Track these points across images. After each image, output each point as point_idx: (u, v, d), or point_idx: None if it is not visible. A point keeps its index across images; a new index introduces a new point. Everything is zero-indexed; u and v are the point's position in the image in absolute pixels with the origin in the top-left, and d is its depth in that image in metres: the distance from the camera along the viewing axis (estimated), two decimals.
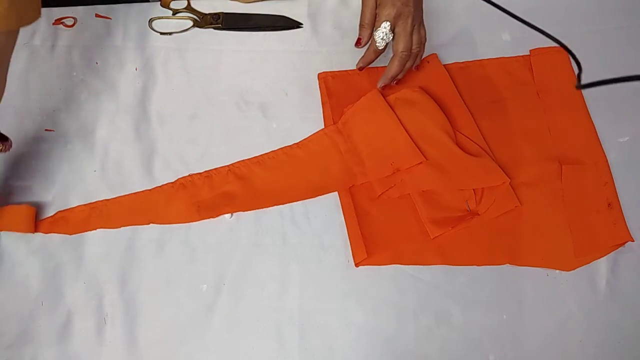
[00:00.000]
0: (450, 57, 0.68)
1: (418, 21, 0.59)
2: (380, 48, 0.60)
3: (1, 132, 0.57)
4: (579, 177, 0.61)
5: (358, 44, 0.61)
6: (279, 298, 0.57)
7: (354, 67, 0.68)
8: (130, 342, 0.55)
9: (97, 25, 0.71)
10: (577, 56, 0.67)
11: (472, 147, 0.62)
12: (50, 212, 0.60)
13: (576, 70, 0.45)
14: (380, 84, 0.63)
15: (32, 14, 0.53)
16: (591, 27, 0.70)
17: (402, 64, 0.60)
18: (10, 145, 0.58)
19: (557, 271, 0.58)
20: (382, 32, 0.58)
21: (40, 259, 0.59)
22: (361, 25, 0.61)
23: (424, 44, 0.61)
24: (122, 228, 0.60)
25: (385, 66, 0.68)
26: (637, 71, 0.67)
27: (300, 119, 0.65)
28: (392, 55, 0.60)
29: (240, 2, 0.72)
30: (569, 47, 0.68)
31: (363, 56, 0.63)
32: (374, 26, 0.60)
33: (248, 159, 0.63)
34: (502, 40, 0.70)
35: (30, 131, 0.64)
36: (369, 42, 0.61)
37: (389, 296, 0.57)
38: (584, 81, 0.65)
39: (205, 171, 0.62)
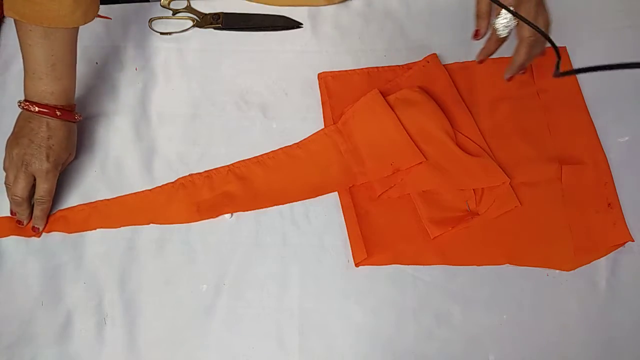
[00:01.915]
0: (450, 57, 0.68)
1: (540, 1, 0.54)
2: (502, 36, 0.55)
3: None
4: (579, 177, 0.61)
5: (476, 35, 0.56)
6: (279, 298, 0.57)
7: (354, 67, 0.68)
8: (130, 342, 0.55)
9: (97, 25, 0.71)
10: (578, 55, 0.67)
11: (472, 147, 0.62)
12: (50, 212, 0.60)
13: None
14: (507, 75, 0.58)
15: (94, 11, 0.57)
16: (591, 27, 0.70)
17: (529, 50, 0.55)
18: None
19: (557, 271, 0.58)
20: (504, 19, 0.54)
21: (40, 259, 0.59)
22: (477, 16, 0.56)
23: (550, 25, 0.55)
24: (122, 228, 0.60)
25: (381, 66, 0.68)
26: (638, 72, 0.67)
27: (300, 119, 0.65)
28: (517, 42, 0.55)
29: (269, 4, 0.72)
30: (570, 46, 0.68)
31: (484, 47, 0.58)
32: (490, 15, 0.55)
33: (248, 159, 0.63)
34: None
35: None
36: (488, 33, 0.56)
37: (389, 296, 0.57)
38: (586, 80, 0.65)
39: (205, 171, 0.62)
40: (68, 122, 0.59)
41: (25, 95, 0.58)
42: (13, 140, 0.58)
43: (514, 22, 0.54)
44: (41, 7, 0.52)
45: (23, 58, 0.56)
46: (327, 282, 0.58)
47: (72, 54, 0.58)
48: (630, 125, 0.64)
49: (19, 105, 0.58)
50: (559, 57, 0.44)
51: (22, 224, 0.59)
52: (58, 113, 0.57)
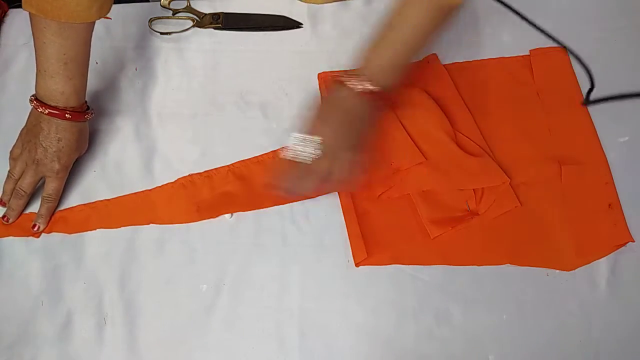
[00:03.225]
0: (450, 57, 0.68)
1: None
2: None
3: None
4: (579, 177, 0.61)
5: None
6: (279, 298, 0.57)
7: (354, 67, 0.68)
8: (130, 342, 0.55)
9: (97, 25, 0.71)
10: (580, 56, 0.67)
11: (472, 147, 0.62)
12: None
13: (586, 84, 0.40)
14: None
15: (109, 6, 0.57)
16: (591, 27, 0.70)
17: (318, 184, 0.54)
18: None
19: (557, 271, 0.58)
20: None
21: (40, 259, 0.59)
22: None
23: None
24: (122, 228, 0.60)
25: None
26: (638, 72, 0.66)
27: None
28: None
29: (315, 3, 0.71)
30: (571, 47, 0.68)
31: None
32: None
33: (248, 159, 0.63)
34: (502, 40, 0.70)
35: None
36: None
37: (389, 296, 0.57)
38: (586, 80, 0.65)
39: (205, 171, 0.62)
40: (78, 122, 0.59)
41: (36, 93, 0.57)
42: (25, 136, 0.59)
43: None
44: (59, 2, 0.52)
45: (36, 55, 0.56)
46: (327, 282, 0.58)
47: (85, 53, 0.58)
48: (630, 125, 0.64)
49: (30, 102, 0.57)
50: (592, 84, 0.42)
51: (7, 221, 0.59)
52: (68, 116, 0.57)
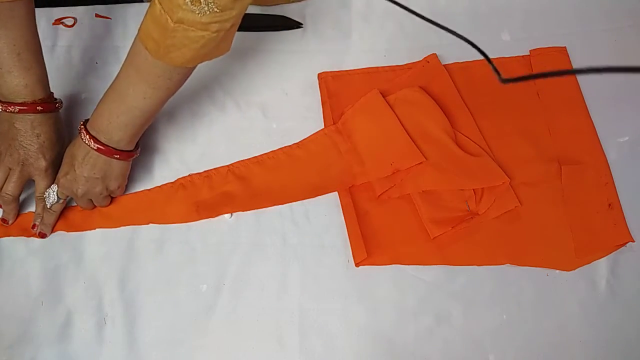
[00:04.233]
0: (450, 57, 0.68)
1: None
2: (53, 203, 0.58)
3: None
4: (579, 177, 0.61)
5: None
6: (279, 298, 0.57)
7: (354, 67, 0.68)
8: (130, 342, 0.55)
9: (97, 25, 0.71)
10: (580, 56, 0.67)
11: (472, 147, 0.62)
12: None
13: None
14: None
15: None
16: (592, 27, 0.70)
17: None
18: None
19: (557, 271, 0.58)
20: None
21: (40, 259, 0.59)
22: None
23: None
24: (122, 228, 0.60)
25: (381, 66, 0.68)
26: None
27: (300, 119, 0.65)
28: None
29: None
30: (571, 47, 0.68)
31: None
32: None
33: (248, 159, 0.63)
34: (502, 40, 0.70)
35: None
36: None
37: (389, 296, 0.57)
38: (586, 80, 0.65)
39: (205, 171, 0.62)
40: (51, 113, 0.58)
41: (0, 96, 0.56)
42: (2, 142, 0.57)
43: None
44: None
45: None
46: (327, 282, 0.58)
47: (34, 41, 0.56)
48: (630, 125, 0.64)
49: None
50: (491, 63, 0.43)
51: (7, 223, 0.59)
52: (39, 108, 0.56)
